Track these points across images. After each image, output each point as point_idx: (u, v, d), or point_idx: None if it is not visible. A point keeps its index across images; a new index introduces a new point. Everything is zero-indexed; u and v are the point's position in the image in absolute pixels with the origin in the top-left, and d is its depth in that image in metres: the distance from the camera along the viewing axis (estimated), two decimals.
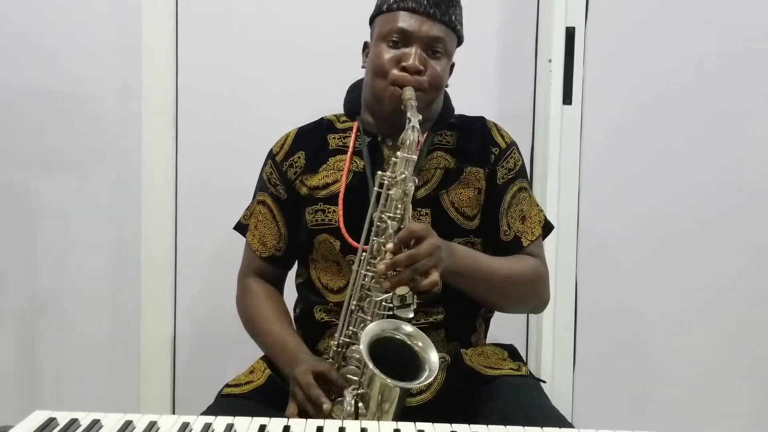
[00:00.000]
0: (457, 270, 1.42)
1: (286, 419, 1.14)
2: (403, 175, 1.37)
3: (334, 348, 1.42)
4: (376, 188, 1.41)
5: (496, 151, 1.59)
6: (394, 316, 1.34)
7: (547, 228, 1.63)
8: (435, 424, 1.13)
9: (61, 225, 2.24)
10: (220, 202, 2.14)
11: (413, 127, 1.38)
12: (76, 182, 2.22)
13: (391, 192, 1.38)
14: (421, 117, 1.40)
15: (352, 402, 1.28)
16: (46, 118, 2.21)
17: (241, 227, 1.69)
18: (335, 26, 2.12)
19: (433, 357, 1.28)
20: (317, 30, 2.15)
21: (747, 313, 2.26)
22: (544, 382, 1.58)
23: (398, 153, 1.39)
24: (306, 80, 2.15)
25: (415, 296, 1.32)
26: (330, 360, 1.43)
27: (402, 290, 1.30)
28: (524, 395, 1.45)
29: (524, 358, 1.71)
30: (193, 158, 2.20)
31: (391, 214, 1.38)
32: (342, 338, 1.41)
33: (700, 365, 2.27)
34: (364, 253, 1.40)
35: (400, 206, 1.38)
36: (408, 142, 1.38)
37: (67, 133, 2.21)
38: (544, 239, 1.63)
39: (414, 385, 1.27)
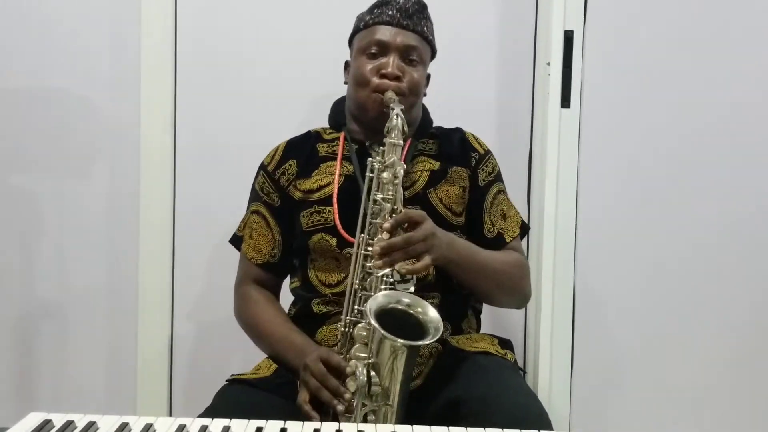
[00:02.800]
0: (454, 258, 1.51)
1: (282, 422, 1.14)
2: (392, 159, 1.49)
3: (342, 330, 1.47)
4: (368, 173, 1.51)
5: (476, 155, 1.71)
6: (395, 288, 1.41)
7: (524, 229, 1.77)
8: (432, 427, 1.13)
9: (59, 228, 2.23)
10: (217, 205, 2.15)
11: (397, 114, 1.51)
12: (74, 185, 2.22)
13: (383, 175, 1.49)
14: (403, 106, 1.53)
15: (365, 371, 1.32)
16: (43, 121, 2.20)
17: (236, 240, 1.74)
18: (325, 41, 2.13)
19: (432, 313, 1.35)
20: (309, 40, 2.16)
21: (749, 312, 2.25)
22: (524, 372, 1.67)
23: (385, 139, 1.51)
24: (295, 85, 2.16)
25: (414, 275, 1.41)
26: (338, 343, 1.47)
27: (398, 268, 1.38)
28: (501, 370, 1.50)
29: (521, 359, 1.72)
30: (190, 162, 2.20)
31: (384, 196, 1.48)
32: (348, 318, 1.46)
33: (701, 369, 2.26)
34: (362, 235, 1.48)
35: (391, 189, 1.48)
36: (395, 129, 1.50)
37: (64, 136, 2.21)
38: (522, 238, 1.76)
39: (422, 343, 1.32)
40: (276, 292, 1.74)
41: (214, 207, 2.16)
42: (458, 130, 1.76)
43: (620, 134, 2.21)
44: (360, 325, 1.42)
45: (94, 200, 2.22)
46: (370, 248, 1.46)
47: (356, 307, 1.46)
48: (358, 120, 1.68)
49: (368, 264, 1.46)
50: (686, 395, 2.26)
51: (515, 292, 1.71)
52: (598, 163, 2.20)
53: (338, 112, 1.74)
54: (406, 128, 1.53)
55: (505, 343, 1.68)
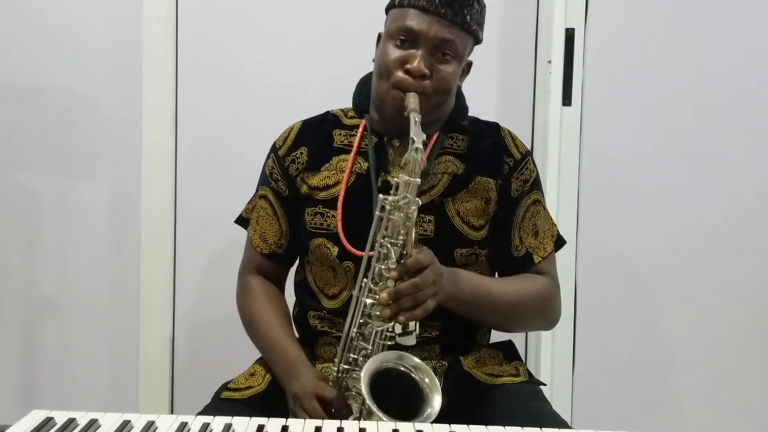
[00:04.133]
0: (457, 296, 1.38)
1: (284, 420, 1.13)
2: (406, 199, 1.31)
3: (335, 373, 1.39)
4: (377, 212, 1.34)
5: (510, 162, 1.51)
6: (395, 344, 1.32)
7: (560, 243, 1.57)
8: (434, 424, 1.12)
9: (62, 226, 2.23)
10: (218, 204, 2.14)
11: (417, 148, 1.29)
12: (77, 184, 2.22)
13: (393, 217, 1.32)
14: (424, 137, 1.32)
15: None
16: (47, 120, 2.21)
17: (242, 220, 1.65)
18: (329, 42, 2.12)
19: (437, 401, 1.25)
20: (320, 25, 2.16)
21: (747, 314, 2.26)
22: (544, 384, 1.56)
23: (400, 175, 1.32)
24: (297, 85, 2.16)
25: (417, 324, 1.30)
26: (332, 378, 1.39)
27: (400, 318, 1.28)
28: (525, 402, 1.43)
29: (523, 357, 1.69)
30: (192, 161, 2.20)
31: (393, 240, 1.32)
32: (342, 365, 1.37)
33: (701, 367, 2.26)
34: (365, 280, 1.35)
35: (402, 231, 1.32)
36: (410, 164, 1.30)
37: (68, 135, 2.21)
38: (556, 252, 1.57)
39: (412, 423, 1.22)
40: (281, 282, 1.64)
41: (215, 206, 2.16)
42: (495, 128, 1.57)
43: (621, 132, 2.21)
44: (354, 375, 1.33)
45: (97, 199, 2.22)
46: (372, 293, 1.34)
47: (352, 355, 1.36)
48: (377, 110, 1.49)
49: (368, 311, 1.35)
50: (689, 392, 2.26)
51: (535, 320, 1.57)
52: (599, 161, 2.19)
53: (363, 94, 1.55)
54: (425, 162, 1.33)
55: (509, 350, 1.58)
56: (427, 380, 1.28)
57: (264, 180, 1.60)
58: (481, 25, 1.49)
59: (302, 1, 2.17)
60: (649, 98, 2.20)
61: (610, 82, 2.19)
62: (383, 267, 1.32)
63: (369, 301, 1.34)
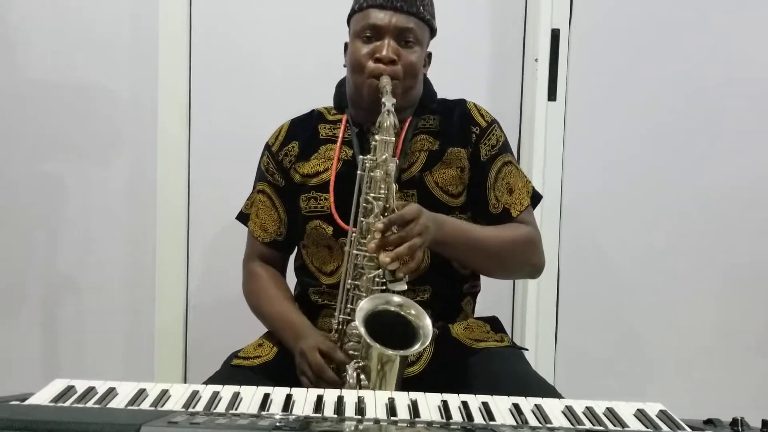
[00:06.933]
0: (443, 240, 1.40)
1: (288, 389, 1.13)
2: (384, 156, 1.38)
3: (335, 326, 1.41)
4: (359, 171, 1.40)
5: (476, 130, 1.56)
6: (387, 291, 1.33)
7: (536, 198, 1.59)
8: (427, 393, 1.12)
9: (83, 210, 2.23)
10: (228, 188, 2.12)
11: (388, 111, 1.39)
12: (97, 171, 2.22)
13: (374, 174, 1.38)
14: (394, 101, 1.41)
15: (354, 375, 1.28)
16: (69, 112, 2.20)
17: (242, 217, 1.67)
18: (336, 30, 2.10)
19: (427, 323, 1.28)
20: (328, 17, 2.12)
21: (723, 284, 2.25)
22: (527, 350, 1.58)
23: (376, 136, 1.39)
24: (305, 75, 2.14)
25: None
26: (334, 336, 1.41)
27: (393, 265, 1.28)
28: (509, 363, 1.45)
29: (510, 329, 1.69)
30: (204, 149, 2.20)
31: (375, 195, 1.37)
32: (341, 316, 1.40)
33: (678, 333, 2.25)
34: (354, 234, 1.40)
35: (383, 186, 1.37)
36: (385, 125, 1.38)
37: (88, 126, 2.21)
38: (534, 208, 1.59)
39: (410, 352, 1.26)
40: (282, 267, 1.67)
41: (226, 190, 2.14)
42: (460, 103, 1.61)
43: (603, 126, 2.20)
44: (352, 324, 1.35)
45: (116, 184, 2.22)
46: (362, 245, 1.37)
47: (349, 305, 1.39)
48: (355, 104, 1.56)
49: (360, 264, 1.38)
50: (666, 358, 2.25)
51: (521, 265, 1.57)
52: (582, 153, 2.19)
53: (341, 93, 1.62)
54: (397, 123, 1.42)
55: (495, 324, 1.59)
56: (413, 311, 1.30)
57: (260, 176, 1.64)
58: (433, 16, 1.55)
59: None
60: (630, 94, 2.20)
61: (592, 79, 2.18)
62: (369, 221, 1.37)
63: (358, 252, 1.37)
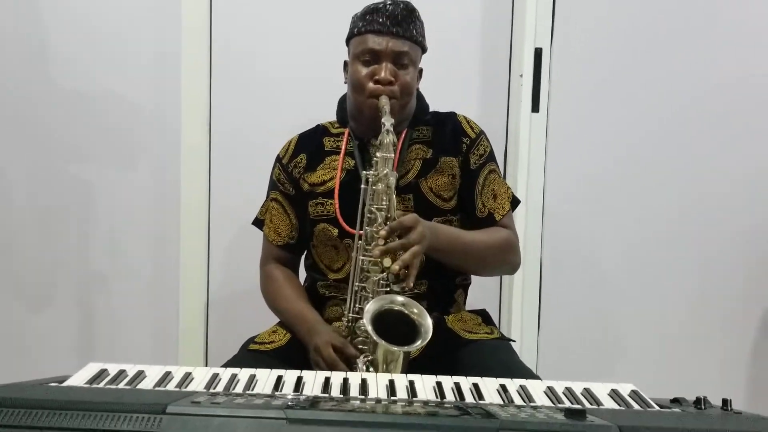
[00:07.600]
0: (438, 247, 1.42)
1: (299, 371, 1.14)
2: (385, 171, 1.40)
3: (345, 323, 1.42)
4: (363, 185, 1.42)
5: (467, 141, 1.58)
6: (391, 290, 1.35)
7: (515, 202, 1.63)
8: (423, 375, 1.13)
9: (111, 211, 2.23)
10: (246, 191, 2.11)
11: (387, 130, 1.40)
12: (124, 175, 2.22)
13: (376, 187, 1.40)
14: (393, 121, 1.43)
15: (364, 368, 1.29)
16: (98, 120, 2.20)
17: (258, 222, 1.69)
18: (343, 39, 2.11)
19: (427, 322, 1.29)
20: (332, 42, 2.13)
21: (691, 280, 2.25)
22: (514, 341, 1.59)
23: (378, 153, 1.41)
24: (319, 85, 2.10)
25: (407, 271, 1.32)
26: (344, 330, 1.42)
27: (395, 268, 1.30)
28: (498, 354, 1.46)
29: (497, 320, 1.69)
30: (223, 155, 2.20)
31: (378, 206, 1.40)
32: (351, 314, 1.41)
33: (649, 323, 2.25)
34: (360, 241, 1.41)
35: (385, 198, 1.40)
36: (385, 142, 1.40)
37: (116, 132, 2.20)
38: (513, 211, 1.63)
39: (412, 348, 1.27)
40: (295, 267, 1.68)
41: (244, 193, 2.14)
42: (452, 116, 1.63)
43: (582, 136, 2.21)
44: (360, 321, 1.36)
45: (142, 188, 2.22)
46: (367, 252, 1.39)
47: (357, 305, 1.40)
48: (356, 120, 1.58)
49: (366, 267, 1.39)
50: (643, 343, 2.25)
51: (502, 265, 1.60)
52: (562, 160, 2.20)
53: (343, 109, 1.63)
54: (395, 140, 1.43)
55: (485, 317, 1.61)
56: (415, 310, 1.32)
57: (273, 186, 1.65)
58: (424, 36, 1.56)
59: (324, 10, 2.14)
60: (607, 106, 2.20)
61: (572, 93, 2.19)
62: (373, 230, 1.39)
63: (364, 258, 1.39)
